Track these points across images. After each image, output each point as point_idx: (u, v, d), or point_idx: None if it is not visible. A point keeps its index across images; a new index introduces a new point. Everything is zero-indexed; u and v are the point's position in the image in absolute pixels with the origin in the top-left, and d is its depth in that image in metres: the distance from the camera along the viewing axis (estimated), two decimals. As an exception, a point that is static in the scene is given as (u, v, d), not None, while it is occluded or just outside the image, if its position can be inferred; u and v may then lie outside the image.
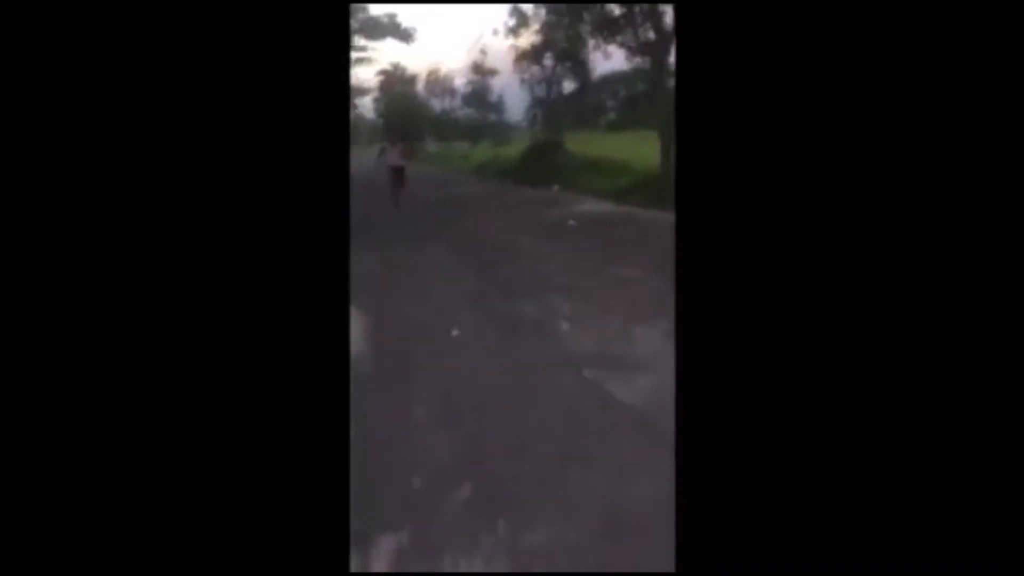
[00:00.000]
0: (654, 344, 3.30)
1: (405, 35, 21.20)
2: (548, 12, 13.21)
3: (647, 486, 2.00)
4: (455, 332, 3.80)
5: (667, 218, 6.62)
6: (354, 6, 16.26)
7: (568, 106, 16.89)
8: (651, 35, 9.88)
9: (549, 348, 3.44)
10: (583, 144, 14.66)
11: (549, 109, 16.40)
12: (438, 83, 31.53)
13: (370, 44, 21.09)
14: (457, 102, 29.01)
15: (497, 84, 24.68)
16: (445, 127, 30.73)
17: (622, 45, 10.78)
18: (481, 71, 25.59)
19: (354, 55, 20.24)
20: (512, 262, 5.73)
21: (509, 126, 25.60)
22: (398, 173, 10.99)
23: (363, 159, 15.86)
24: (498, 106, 25.77)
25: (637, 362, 3.11)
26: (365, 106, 34.83)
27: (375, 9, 19.38)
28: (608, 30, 11.06)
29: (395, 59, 35.70)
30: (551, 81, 16.34)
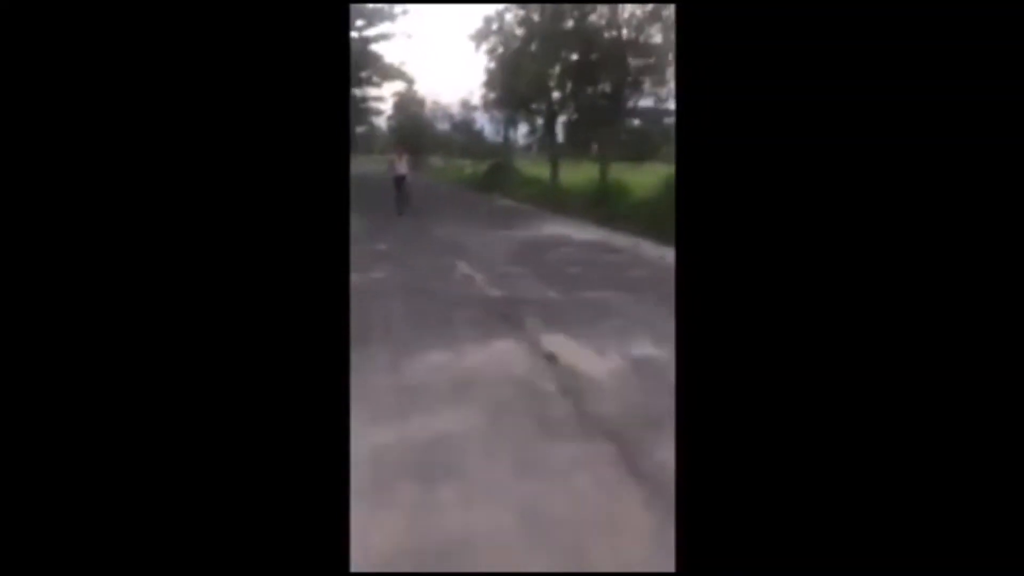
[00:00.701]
0: (500, 252, 7.22)
1: (409, 80, 27.57)
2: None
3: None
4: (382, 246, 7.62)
5: (539, 210, 12.75)
6: (354, 6, 19.54)
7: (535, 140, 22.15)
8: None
9: (444, 258, 6.83)
10: (542, 169, 19.36)
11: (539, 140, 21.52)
12: (438, 110, 37.52)
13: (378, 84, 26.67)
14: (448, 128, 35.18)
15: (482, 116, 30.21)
16: (446, 146, 36.42)
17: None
18: (467, 107, 32.01)
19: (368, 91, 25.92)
20: (443, 232, 9.21)
21: (504, 147, 30.36)
22: (400, 181, 12.24)
23: (374, 167, 21.08)
24: (479, 134, 31.83)
25: (496, 269, 6.19)
26: (380, 124, 40.44)
27: (387, 56, 24.61)
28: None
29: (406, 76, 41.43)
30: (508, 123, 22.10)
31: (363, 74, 24.30)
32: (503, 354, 3.62)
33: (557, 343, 3.78)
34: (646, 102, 15.05)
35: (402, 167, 12.41)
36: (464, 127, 32.92)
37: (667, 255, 6.81)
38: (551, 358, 3.52)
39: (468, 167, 27.35)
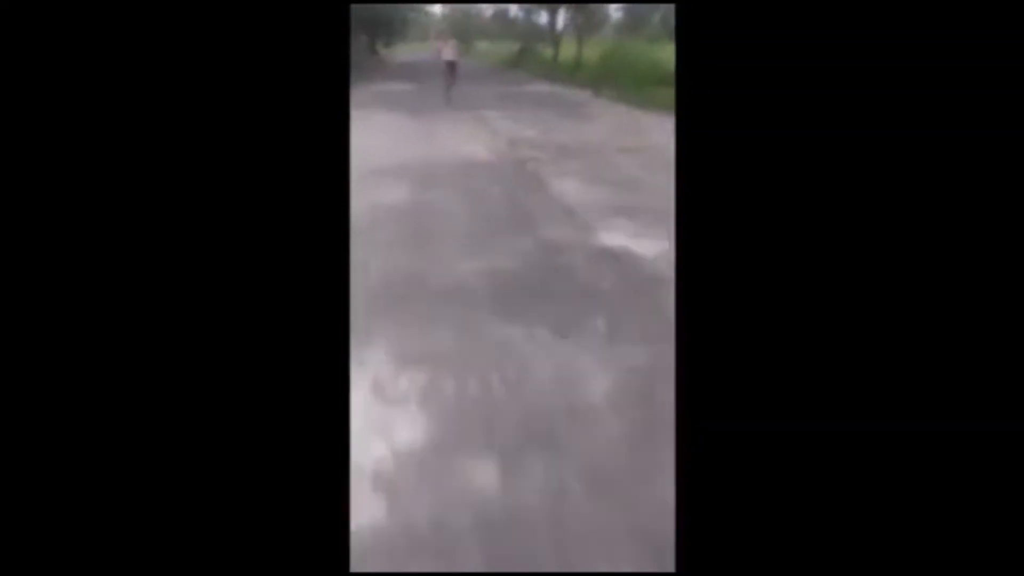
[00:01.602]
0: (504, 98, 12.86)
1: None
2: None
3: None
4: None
5: (539, 78, 18.21)
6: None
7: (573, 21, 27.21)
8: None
9: (464, 109, 11.01)
10: (564, 49, 23.96)
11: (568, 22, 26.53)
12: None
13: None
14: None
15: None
16: (490, 31, 41.36)
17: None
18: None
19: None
20: (465, 89, 13.76)
21: (535, 32, 35.25)
22: (451, 67, 12.94)
23: (423, 51, 26.42)
24: (513, 22, 36.63)
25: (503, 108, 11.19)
26: (435, 11, 45.32)
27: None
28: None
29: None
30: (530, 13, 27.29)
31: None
32: (466, 122, 9.29)
33: (494, 120, 9.57)
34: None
35: (449, 53, 13.22)
36: (501, 16, 37.65)
37: (574, 94, 13.88)
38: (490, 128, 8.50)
39: (504, 50, 32.67)
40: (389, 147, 6.95)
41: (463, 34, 37.86)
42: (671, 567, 1.37)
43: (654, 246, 3.69)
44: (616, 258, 3.54)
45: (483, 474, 1.79)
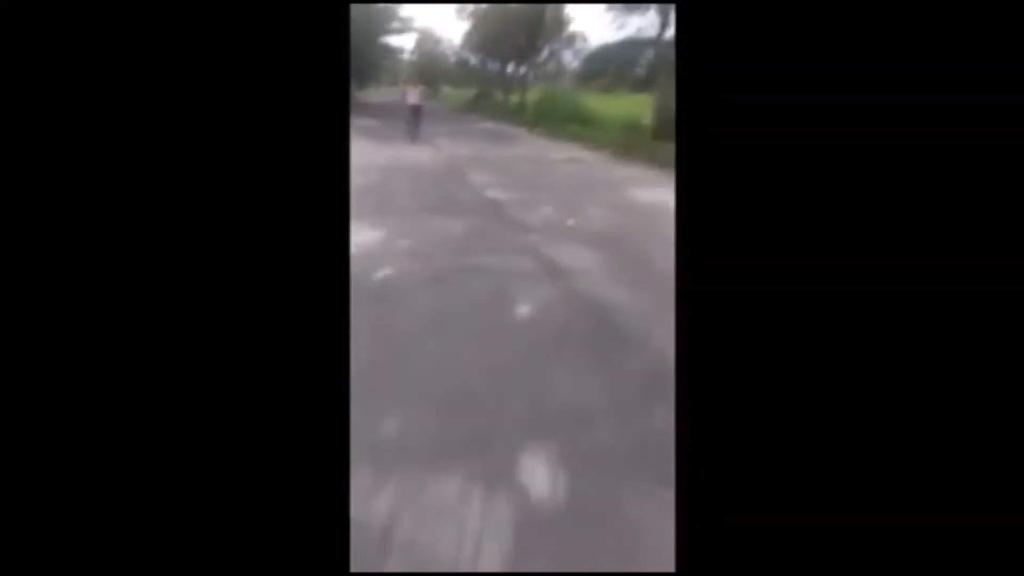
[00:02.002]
0: (453, 133, 15.76)
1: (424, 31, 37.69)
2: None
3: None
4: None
5: (488, 119, 21.79)
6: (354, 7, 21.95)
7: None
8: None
9: (420, 139, 13.01)
10: (518, 95, 27.10)
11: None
12: (449, 48, 46.32)
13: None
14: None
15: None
16: (454, 77, 45.41)
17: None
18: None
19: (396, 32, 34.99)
20: (427, 129, 14.95)
21: (493, 78, 36.68)
22: (415, 111, 13.17)
23: (394, 94, 30.14)
24: (475, 69, 40.43)
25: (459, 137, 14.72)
26: (404, 58, 49.32)
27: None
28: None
29: (427, 27, 49.72)
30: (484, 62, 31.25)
31: (390, 25, 33.40)
32: (421, 147, 11.96)
33: (443, 145, 12.52)
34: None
35: (414, 97, 13.43)
36: (463, 63, 41.60)
37: (513, 130, 17.31)
38: (438, 149, 11.31)
39: (465, 95, 36.54)
40: (362, 158, 9.57)
41: (430, 79, 41.73)
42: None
43: (508, 195, 6.96)
44: (489, 200, 6.73)
45: (419, 232, 4.92)
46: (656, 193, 7.30)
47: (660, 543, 1.63)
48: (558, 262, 4.32)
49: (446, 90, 45.53)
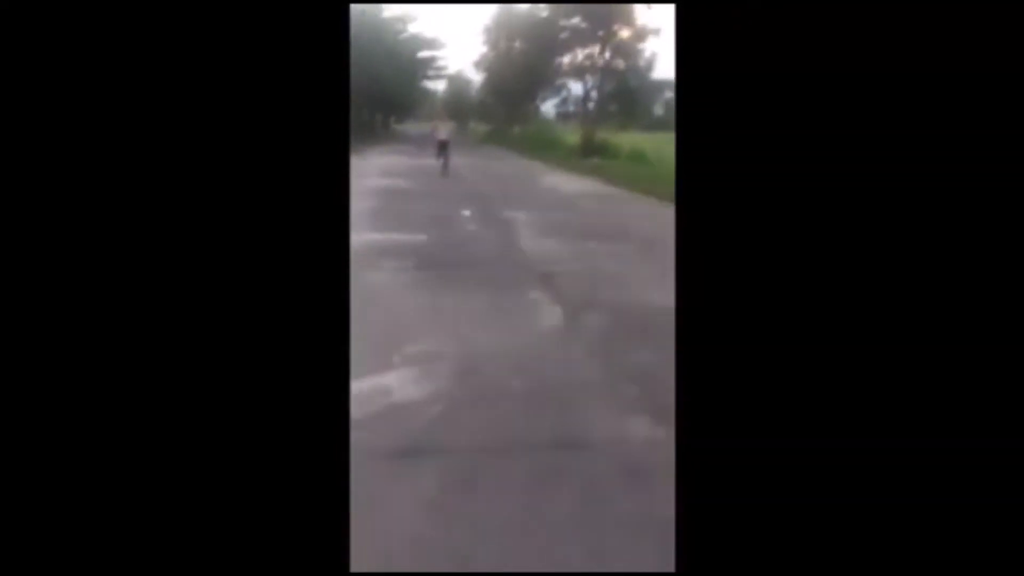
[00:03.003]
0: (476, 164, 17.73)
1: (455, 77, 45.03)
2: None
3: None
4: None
5: (493, 150, 26.80)
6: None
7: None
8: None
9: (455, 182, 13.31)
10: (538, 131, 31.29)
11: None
12: (475, 88, 52.27)
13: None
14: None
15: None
16: (479, 114, 52.14)
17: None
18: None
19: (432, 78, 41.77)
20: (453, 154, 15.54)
21: (518, 115, 38.84)
22: (443, 146, 13.42)
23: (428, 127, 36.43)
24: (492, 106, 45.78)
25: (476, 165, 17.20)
26: (440, 97, 56.49)
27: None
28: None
29: (460, 70, 56.80)
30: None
31: (428, 72, 40.38)
32: (438, 162, 13.57)
33: (458, 161, 14.55)
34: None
35: (443, 132, 13.72)
36: (484, 103, 47.41)
37: (509, 154, 23.53)
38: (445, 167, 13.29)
39: (483, 128, 43.36)
40: (393, 166, 15.15)
41: (459, 114, 48.74)
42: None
43: (486, 183, 12.11)
44: (472, 189, 11.12)
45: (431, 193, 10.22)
46: (553, 179, 13.87)
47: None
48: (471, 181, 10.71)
49: (471, 125, 52.55)
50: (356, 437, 1.48)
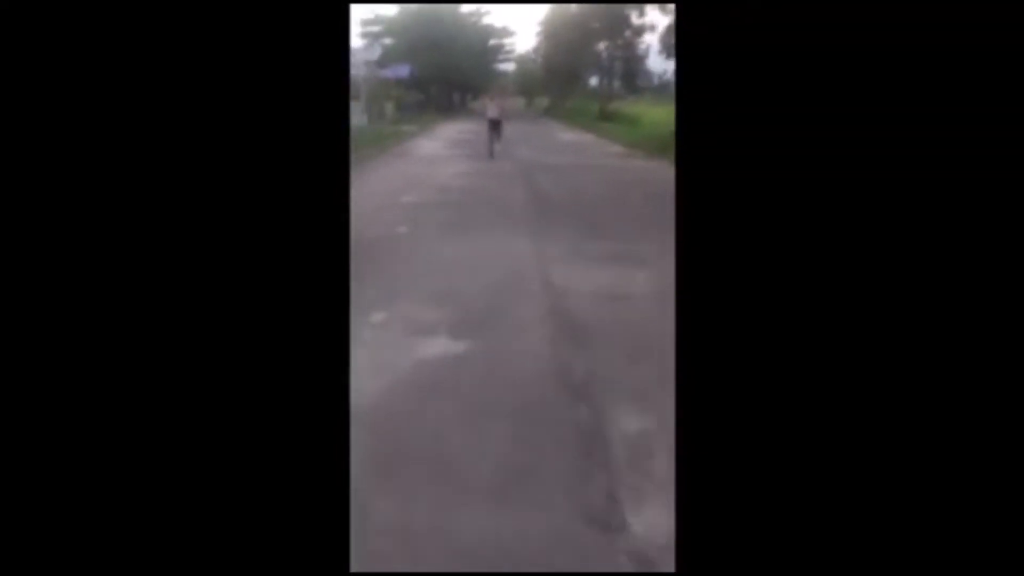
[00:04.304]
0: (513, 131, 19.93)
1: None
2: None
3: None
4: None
5: (548, 121, 31.23)
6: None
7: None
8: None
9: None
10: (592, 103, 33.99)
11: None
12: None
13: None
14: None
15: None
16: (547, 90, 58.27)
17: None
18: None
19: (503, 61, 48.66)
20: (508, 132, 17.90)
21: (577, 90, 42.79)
22: (495, 125, 12.76)
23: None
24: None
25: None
26: (509, 70, 62.74)
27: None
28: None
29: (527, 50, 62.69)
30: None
31: (499, 56, 47.52)
32: (480, 127, 17.09)
33: (505, 128, 14.15)
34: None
35: (493, 110, 13.22)
36: (547, 81, 53.63)
37: (560, 124, 27.65)
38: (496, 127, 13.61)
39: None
40: (461, 129, 20.92)
41: (527, 91, 55.63)
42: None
43: (515, 133, 17.54)
44: (505, 136, 14.63)
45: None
46: (564, 134, 20.18)
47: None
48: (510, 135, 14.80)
49: (536, 100, 59.32)
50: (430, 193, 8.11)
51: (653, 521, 1.80)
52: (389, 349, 2.97)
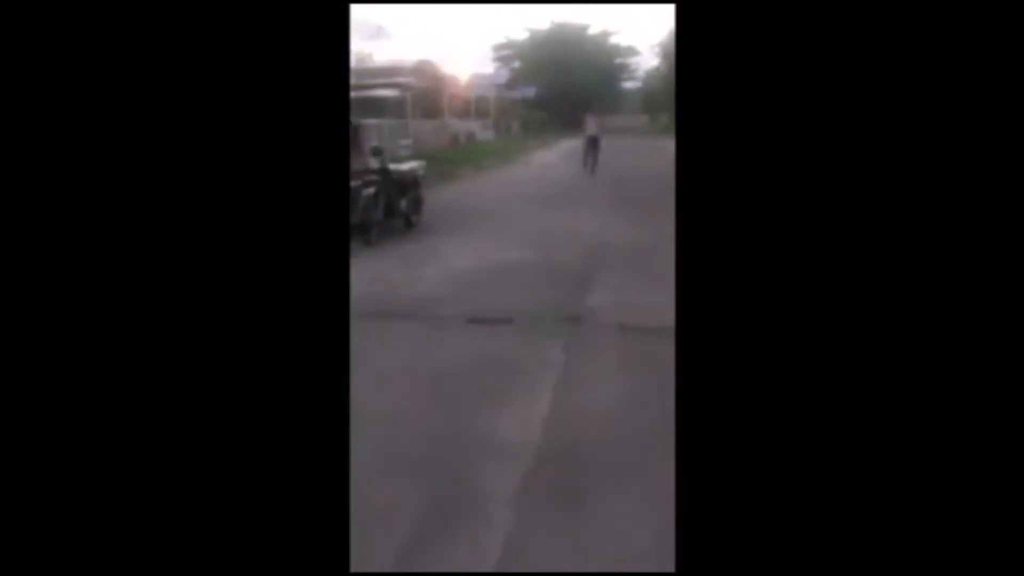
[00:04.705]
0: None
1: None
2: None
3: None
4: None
5: (651, 139, 28.06)
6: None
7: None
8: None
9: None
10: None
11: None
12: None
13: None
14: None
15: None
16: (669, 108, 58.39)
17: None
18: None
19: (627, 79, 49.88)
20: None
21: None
22: (592, 142, 12.52)
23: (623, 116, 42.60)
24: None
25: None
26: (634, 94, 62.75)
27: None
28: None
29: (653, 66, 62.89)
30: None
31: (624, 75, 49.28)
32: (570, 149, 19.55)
33: (611, 144, 16.07)
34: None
35: (592, 127, 12.91)
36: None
37: (651, 136, 29.11)
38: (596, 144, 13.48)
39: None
40: (574, 145, 18.69)
41: (653, 108, 54.41)
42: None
43: (614, 147, 17.03)
44: (607, 146, 14.27)
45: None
46: (671, 144, 17.12)
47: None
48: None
49: (660, 116, 60.01)
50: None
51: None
52: (494, 252, 5.62)
